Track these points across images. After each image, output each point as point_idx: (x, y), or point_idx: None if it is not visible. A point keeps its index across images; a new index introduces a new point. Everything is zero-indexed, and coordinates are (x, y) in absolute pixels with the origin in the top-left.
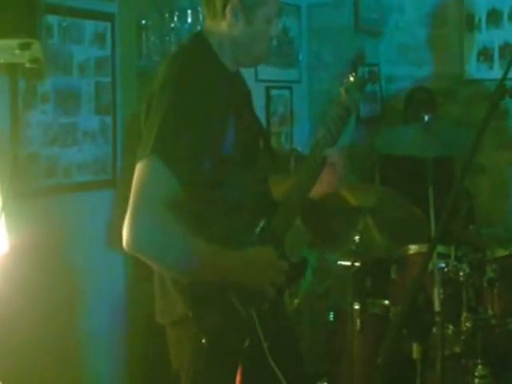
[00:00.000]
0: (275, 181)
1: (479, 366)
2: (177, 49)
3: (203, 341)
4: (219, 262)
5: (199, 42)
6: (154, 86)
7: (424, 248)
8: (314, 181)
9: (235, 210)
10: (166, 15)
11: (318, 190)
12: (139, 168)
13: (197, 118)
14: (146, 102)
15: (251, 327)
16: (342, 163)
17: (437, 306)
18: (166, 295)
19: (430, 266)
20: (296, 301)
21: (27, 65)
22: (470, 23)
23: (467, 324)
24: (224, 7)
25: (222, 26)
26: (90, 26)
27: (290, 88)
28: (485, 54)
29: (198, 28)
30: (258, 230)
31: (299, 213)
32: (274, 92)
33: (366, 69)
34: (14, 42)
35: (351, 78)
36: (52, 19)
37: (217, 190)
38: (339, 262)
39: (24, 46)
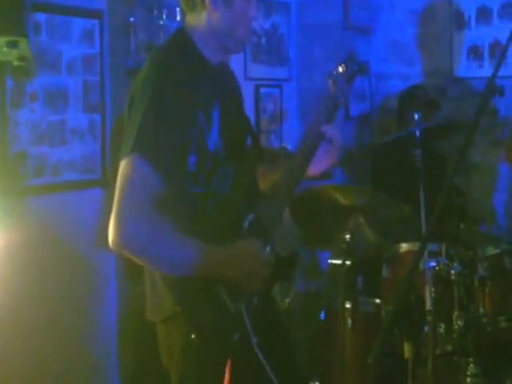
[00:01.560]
0: (266, 168)
1: (471, 365)
2: (158, 46)
3: (193, 336)
4: (206, 256)
5: (180, 38)
6: (135, 83)
7: (415, 246)
8: (309, 159)
9: (222, 204)
10: (155, 12)
11: (319, 166)
12: (122, 166)
13: (177, 115)
14: (129, 99)
15: (240, 322)
16: (338, 137)
17: (428, 305)
18: (156, 292)
19: (421, 265)
20: (287, 300)
21: (15, 63)
22: (460, 21)
23: (459, 322)
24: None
25: (203, 17)
26: (78, 23)
27: (280, 86)
28: (475, 52)
29: None
30: (247, 224)
31: (289, 203)
32: (263, 90)
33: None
34: (1, 40)
35: (340, 69)
36: (40, 16)
37: (203, 185)
38: (330, 261)
39: (12, 44)
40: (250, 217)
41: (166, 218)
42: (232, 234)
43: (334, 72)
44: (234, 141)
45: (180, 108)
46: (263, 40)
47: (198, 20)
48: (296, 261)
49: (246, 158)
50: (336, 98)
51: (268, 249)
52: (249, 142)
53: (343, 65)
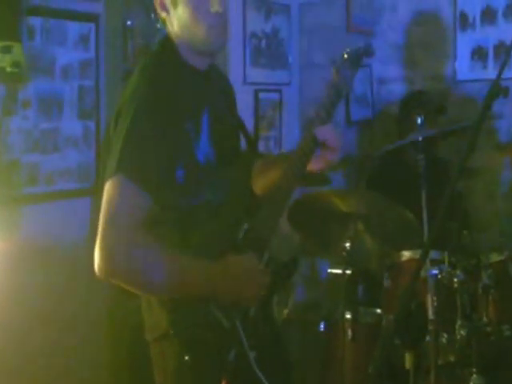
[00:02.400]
0: (263, 168)
1: (474, 375)
2: (145, 58)
3: (186, 358)
4: (197, 276)
5: (166, 47)
6: (124, 95)
7: (417, 254)
8: (304, 164)
9: (215, 215)
10: (153, 16)
11: (313, 167)
12: (106, 187)
13: (162, 130)
14: (116, 111)
15: (236, 338)
16: (334, 138)
17: (430, 314)
18: (150, 310)
19: (423, 273)
20: (286, 311)
21: (8, 69)
22: (464, 22)
23: (462, 332)
24: (155, 9)
25: (168, 25)
26: (73, 27)
27: (280, 91)
28: (479, 53)
29: None
30: (241, 234)
31: (285, 207)
32: (262, 95)
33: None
34: None
35: (345, 56)
36: (34, 20)
37: (194, 197)
38: (330, 270)
39: (5, 49)
40: (245, 226)
41: (156, 239)
42: (226, 245)
43: (339, 60)
44: (226, 148)
45: (166, 123)
46: (263, 43)
47: (169, 30)
48: (296, 266)
49: (239, 164)
50: (338, 88)
51: (266, 257)
52: (242, 146)
53: (348, 50)
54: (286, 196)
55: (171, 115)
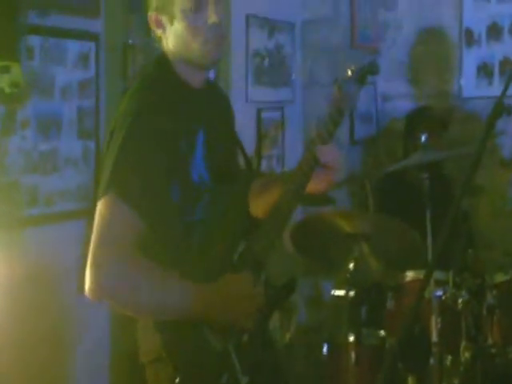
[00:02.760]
0: (262, 189)
1: None
2: (140, 76)
3: (177, 381)
4: (189, 298)
5: (161, 65)
6: (118, 113)
7: (421, 274)
8: (304, 184)
9: (211, 234)
10: (153, 34)
11: (313, 188)
12: (98, 208)
13: (154, 149)
14: (110, 131)
15: (228, 362)
16: (335, 158)
17: (434, 336)
18: (145, 332)
19: (427, 294)
20: (288, 334)
21: (7, 89)
22: (470, 38)
23: (466, 354)
24: (150, 27)
25: (164, 42)
26: (73, 46)
27: (283, 109)
28: (485, 70)
29: None
30: (237, 255)
31: (284, 228)
32: (265, 114)
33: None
34: None
35: (349, 73)
36: (33, 40)
37: (188, 215)
38: (333, 292)
39: (3, 70)
40: (241, 246)
41: (146, 259)
42: (222, 265)
43: (342, 77)
44: (221, 167)
45: (159, 141)
46: (266, 61)
47: (164, 47)
48: (293, 288)
49: (235, 184)
50: (340, 106)
51: (262, 277)
52: (239, 165)
53: (352, 67)
54: (285, 216)
55: (164, 134)
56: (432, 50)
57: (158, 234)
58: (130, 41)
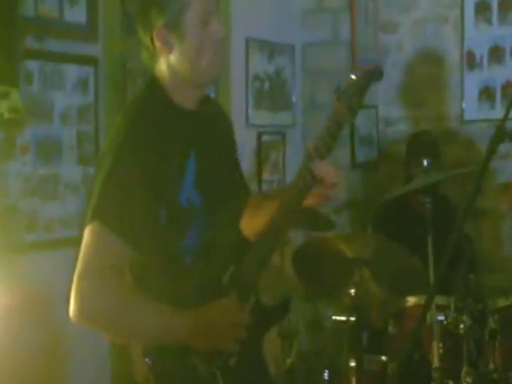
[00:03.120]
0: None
1: None
2: (132, 99)
3: None
4: (171, 325)
5: (152, 88)
6: (107, 139)
7: (422, 300)
8: (299, 202)
9: (200, 259)
10: None
11: (309, 202)
12: (85, 234)
13: (140, 176)
14: (100, 157)
15: None
16: (332, 174)
17: (436, 361)
18: (135, 356)
19: (429, 319)
20: (289, 360)
21: (5, 115)
22: (471, 61)
23: (467, 379)
24: (152, 42)
25: (162, 63)
26: (72, 70)
27: (283, 133)
28: (487, 93)
29: None
30: (227, 278)
31: (275, 249)
32: (265, 137)
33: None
34: None
35: (350, 79)
36: (32, 64)
37: (177, 240)
38: (334, 318)
39: (2, 95)
40: (231, 270)
41: (130, 286)
42: (211, 289)
43: (343, 85)
44: (214, 191)
45: (146, 167)
46: (266, 85)
47: (162, 68)
48: (287, 309)
49: (227, 207)
50: (339, 118)
51: (252, 299)
52: (233, 188)
53: (355, 73)
54: (277, 236)
55: (152, 159)
56: (433, 72)
57: (148, 258)
58: (128, 64)
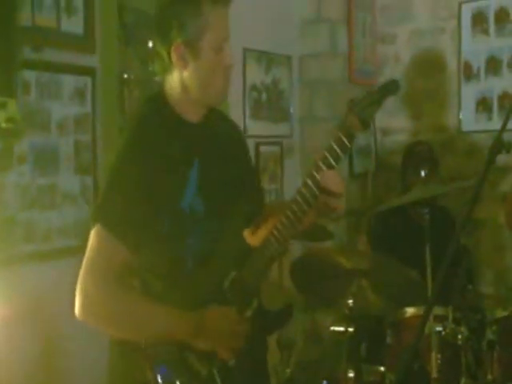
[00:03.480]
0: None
1: None
2: (138, 111)
3: None
4: (170, 324)
5: (158, 101)
6: (116, 149)
7: (421, 310)
8: (304, 212)
9: (202, 264)
10: (150, 68)
11: (315, 216)
12: (90, 236)
13: (142, 183)
14: (107, 164)
15: None
16: (338, 183)
17: (434, 372)
18: (135, 357)
19: (427, 330)
20: (288, 370)
21: (3, 125)
22: (468, 72)
23: None
24: (169, 55)
25: (175, 77)
26: (69, 81)
27: (281, 143)
28: (484, 104)
29: None
30: (227, 283)
31: (278, 257)
32: (263, 148)
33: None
34: None
35: (365, 93)
36: (29, 75)
37: (179, 245)
38: (332, 328)
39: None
40: (232, 275)
41: (130, 287)
42: (211, 295)
43: (357, 98)
44: (216, 198)
45: (148, 175)
46: (263, 95)
47: (173, 81)
48: (290, 314)
49: (230, 214)
50: (351, 131)
51: (254, 304)
52: (238, 196)
53: (371, 90)
54: (280, 245)
55: (154, 166)
56: (431, 83)
57: (150, 261)
58: (125, 75)
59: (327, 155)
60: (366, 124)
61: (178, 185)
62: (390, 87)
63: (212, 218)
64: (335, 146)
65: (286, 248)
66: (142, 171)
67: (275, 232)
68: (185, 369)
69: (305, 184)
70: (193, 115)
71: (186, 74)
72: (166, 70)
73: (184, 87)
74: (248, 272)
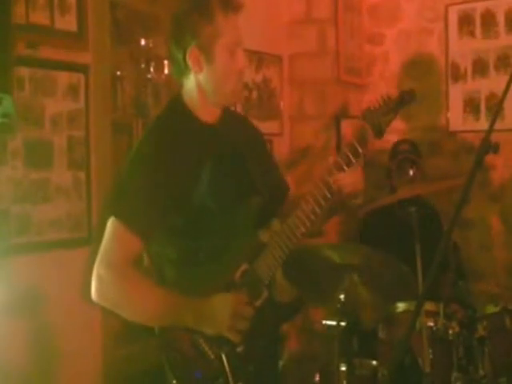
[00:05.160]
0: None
1: None
2: (157, 115)
3: (174, 382)
4: (178, 309)
5: (175, 103)
6: (133, 148)
7: (412, 306)
8: (315, 212)
9: (214, 256)
10: (143, 66)
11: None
12: (108, 224)
13: (157, 179)
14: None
15: (220, 369)
16: (352, 183)
17: (426, 367)
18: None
19: (418, 325)
20: (281, 362)
21: None
22: (456, 73)
23: None
24: (185, 58)
25: (191, 79)
26: (62, 77)
27: (271, 141)
28: (471, 105)
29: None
30: (238, 275)
31: (288, 253)
32: None
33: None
34: None
35: (381, 101)
36: (23, 71)
37: (192, 238)
38: (324, 322)
39: None
40: (243, 268)
41: (142, 274)
42: (222, 285)
43: (372, 105)
44: (228, 197)
45: (163, 172)
46: (254, 93)
47: (189, 83)
48: (299, 307)
49: (243, 211)
50: (363, 136)
51: (264, 295)
52: (252, 193)
53: (387, 95)
54: (290, 241)
55: (170, 165)
56: (418, 84)
57: (164, 252)
58: (118, 72)
59: (339, 160)
60: (380, 132)
61: (191, 181)
62: (407, 98)
63: (224, 214)
64: (348, 152)
65: (296, 245)
66: (158, 168)
67: (287, 228)
68: (194, 352)
69: (316, 186)
70: (208, 116)
71: (201, 77)
72: (183, 73)
73: (200, 89)
74: (259, 266)
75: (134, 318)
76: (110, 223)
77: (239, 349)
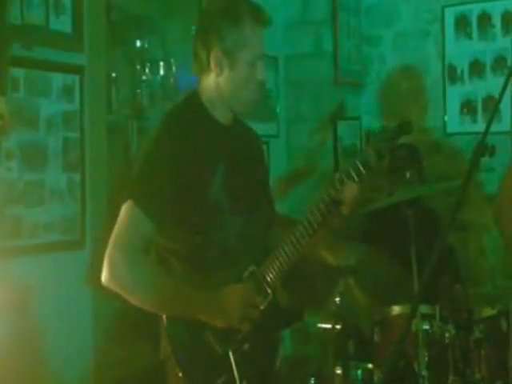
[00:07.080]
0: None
1: None
2: (172, 108)
3: (180, 374)
4: (190, 299)
5: (190, 100)
6: (147, 139)
7: (407, 309)
8: (319, 222)
9: (224, 254)
10: (138, 67)
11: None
12: (121, 210)
13: (173, 168)
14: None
15: (226, 365)
16: (351, 196)
17: (422, 370)
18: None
19: (414, 328)
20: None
21: None
22: (453, 75)
23: None
24: (208, 59)
25: (211, 79)
26: (57, 78)
27: (267, 143)
28: (468, 107)
29: (171, 80)
30: (247, 274)
31: (293, 260)
32: None
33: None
34: None
35: (382, 129)
36: (18, 72)
37: (203, 233)
38: (319, 325)
39: None
40: (251, 269)
41: (152, 262)
42: (230, 281)
43: (374, 129)
44: (240, 196)
45: (179, 164)
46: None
47: (207, 82)
48: (301, 314)
49: (254, 213)
50: (367, 159)
51: (269, 296)
52: (261, 201)
53: (388, 124)
54: (297, 251)
55: (185, 159)
56: (415, 85)
57: (175, 245)
58: (113, 74)
59: (343, 176)
60: (380, 156)
61: (205, 177)
62: (404, 129)
63: (236, 213)
64: (352, 172)
65: (301, 252)
66: (174, 160)
67: (292, 238)
68: (202, 346)
69: (322, 199)
70: (223, 117)
71: (221, 79)
72: (203, 71)
73: (218, 91)
74: (266, 269)
75: (145, 303)
76: (126, 207)
77: (245, 346)
